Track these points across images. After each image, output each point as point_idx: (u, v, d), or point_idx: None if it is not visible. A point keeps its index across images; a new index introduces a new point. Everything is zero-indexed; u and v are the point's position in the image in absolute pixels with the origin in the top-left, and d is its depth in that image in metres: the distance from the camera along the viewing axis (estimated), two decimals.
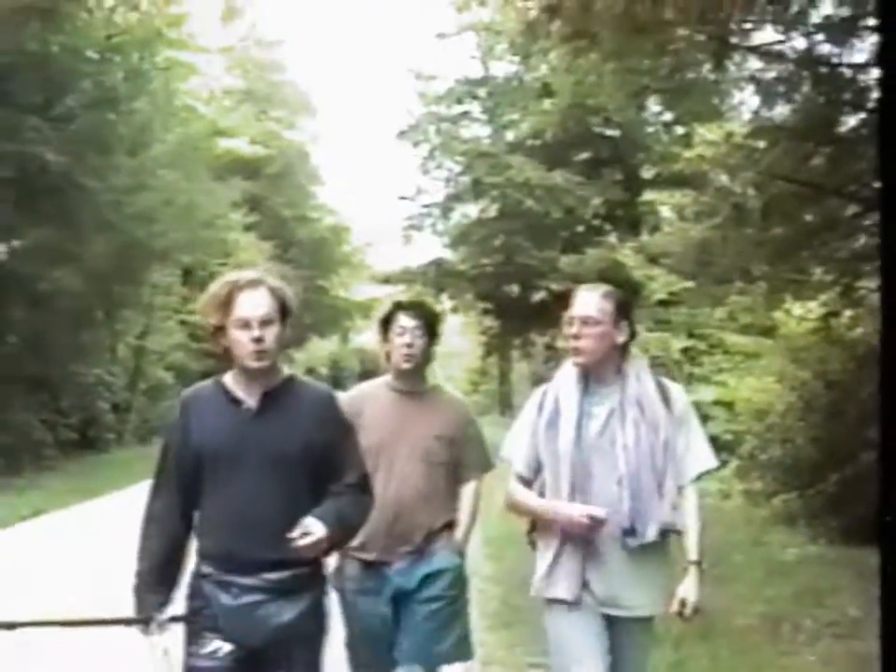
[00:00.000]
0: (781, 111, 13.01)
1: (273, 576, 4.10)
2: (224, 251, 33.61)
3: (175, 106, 25.63)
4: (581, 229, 27.96)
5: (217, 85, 38.33)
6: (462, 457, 5.39)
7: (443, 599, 5.27)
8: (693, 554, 4.66)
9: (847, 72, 12.04)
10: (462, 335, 50.15)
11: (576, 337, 4.65)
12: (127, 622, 4.21)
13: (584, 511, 4.50)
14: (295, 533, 3.95)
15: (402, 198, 33.86)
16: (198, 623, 4.18)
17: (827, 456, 13.62)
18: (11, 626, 4.58)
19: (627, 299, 4.87)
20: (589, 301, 4.68)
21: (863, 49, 11.92)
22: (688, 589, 4.63)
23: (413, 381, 5.41)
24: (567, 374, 4.81)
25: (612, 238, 25.76)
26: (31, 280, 19.62)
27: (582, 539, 4.59)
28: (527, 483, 4.79)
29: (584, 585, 4.64)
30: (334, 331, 57.30)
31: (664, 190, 23.11)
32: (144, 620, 4.13)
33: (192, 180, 25.92)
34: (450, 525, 5.37)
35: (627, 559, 4.62)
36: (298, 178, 47.97)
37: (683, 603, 4.61)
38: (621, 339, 4.70)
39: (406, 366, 5.32)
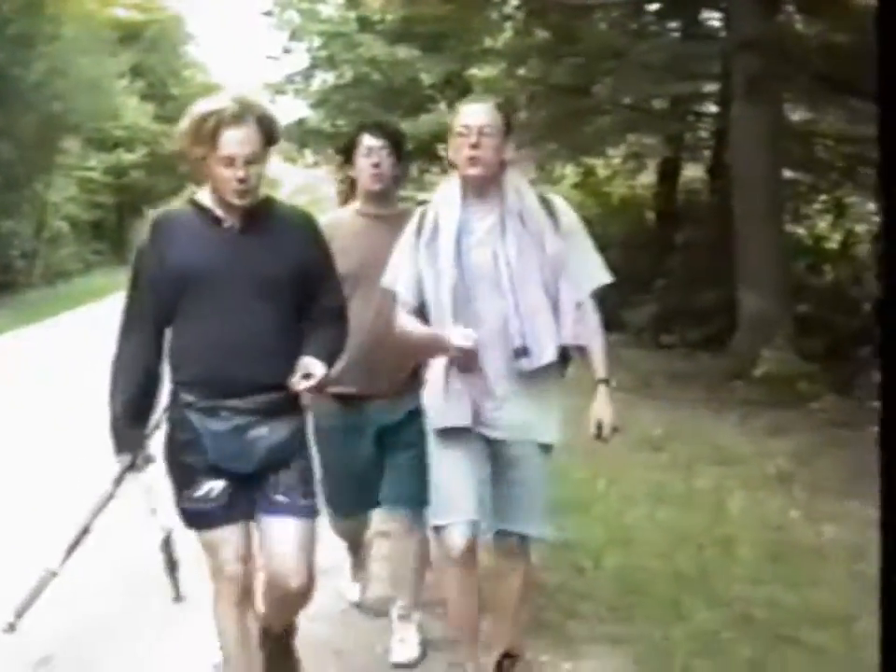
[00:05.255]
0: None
1: (262, 398, 3.92)
2: (112, 114, 37.71)
3: None
4: (419, 96, 32.61)
5: None
6: None
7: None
8: (600, 373, 4.46)
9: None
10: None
11: (475, 146, 4.28)
12: (118, 478, 3.97)
13: (463, 334, 4.17)
14: (296, 377, 3.87)
15: (269, 57, 37.64)
16: (187, 456, 3.99)
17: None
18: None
19: (512, 113, 4.52)
20: (484, 111, 4.36)
21: None
22: (600, 409, 4.42)
23: (384, 203, 5.05)
24: (447, 191, 4.49)
25: (442, 106, 30.74)
26: None
27: (464, 368, 4.28)
28: (412, 308, 4.47)
29: (475, 411, 4.32)
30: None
31: (485, 66, 27.83)
32: (130, 464, 3.94)
33: (95, 61, 30.59)
34: None
35: (521, 381, 4.32)
36: (172, 41, 50.86)
37: (599, 424, 4.41)
38: (509, 154, 4.41)
39: (376, 187, 4.99)
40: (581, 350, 4.45)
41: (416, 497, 4.74)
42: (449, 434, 4.36)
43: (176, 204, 4.24)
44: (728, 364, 14.06)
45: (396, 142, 5.09)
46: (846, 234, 19.22)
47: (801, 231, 19.38)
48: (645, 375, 14.16)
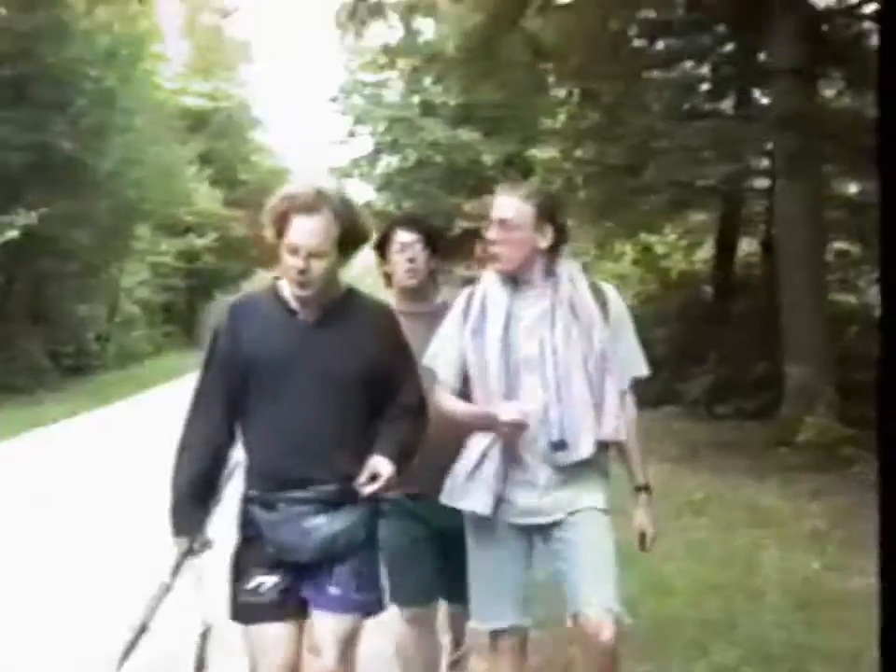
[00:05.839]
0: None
1: (323, 488, 3.83)
2: (184, 201, 38.95)
3: (150, 89, 31.16)
4: (481, 177, 33.17)
5: (175, 57, 43.44)
6: None
7: None
8: (639, 478, 4.32)
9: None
10: None
11: (493, 242, 4.23)
12: (176, 568, 3.85)
13: (515, 408, 4.04)
14: (363, 477, 3.80)
15: (335, 142, 38.47)
16: (247, 549, 3.95)
17: None
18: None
19: (551, 201, 4.39)
20: (507, 204, 4.22)
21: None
22: (643, 520, 4.27)
23: (420, 299, 4.93)
24: (493, 278, 4.33)
25: None
26: (54, 240, 24.69)
27: (509, 447, 4.13)
28: (453, 390, 4.34)
29: (503, 499, 4.17)
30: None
31: (545, 146, 28.41)
32: (188, 549, 3.83)
33: (167, 149, 31.91)
34: None
35: (557, 475, 4.16)
36: (239, 127, 52.27)
37: (642, 537, 4.27)
38: (543, 244, 4.23)
39: (411, 283, 4.89)
40: (619, 448, 4.31)
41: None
42: (484, 528, 4.24)
43: (259, 288, 4.14)
44: (774, 432, 14.46)
45: (430, 235, 4.96)
46: None
47: (852, 300, 19.72)
48: (693, 445, 14.80)
